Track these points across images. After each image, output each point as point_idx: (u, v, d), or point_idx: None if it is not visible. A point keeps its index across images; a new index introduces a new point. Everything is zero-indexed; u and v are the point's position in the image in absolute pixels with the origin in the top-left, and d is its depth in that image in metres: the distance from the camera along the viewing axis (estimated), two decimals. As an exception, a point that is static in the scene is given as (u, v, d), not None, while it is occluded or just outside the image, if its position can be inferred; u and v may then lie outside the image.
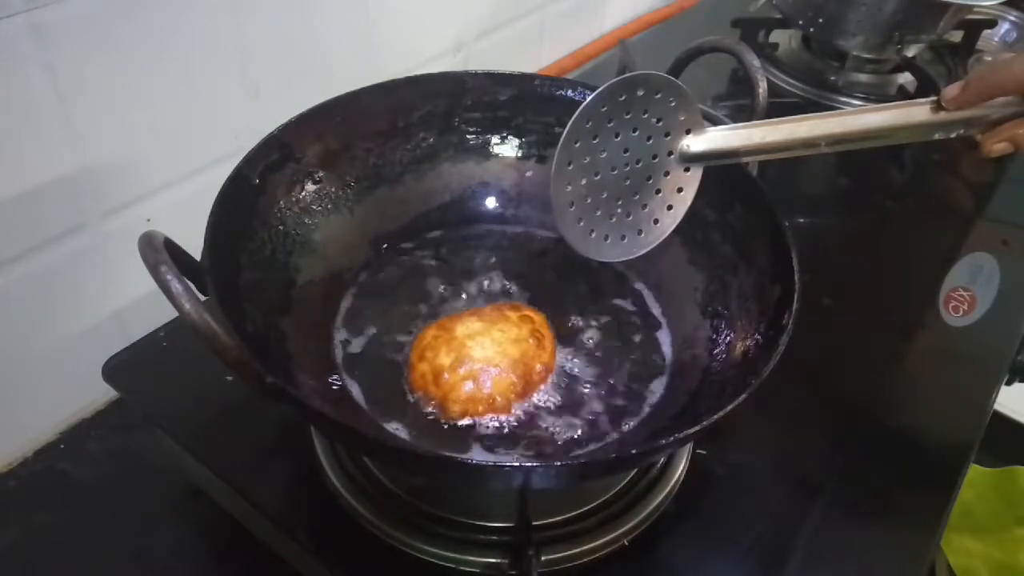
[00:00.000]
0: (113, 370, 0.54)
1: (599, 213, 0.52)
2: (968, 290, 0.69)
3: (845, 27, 0.91)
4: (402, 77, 0.59)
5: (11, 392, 0.56)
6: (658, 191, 0.52)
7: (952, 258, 0.73)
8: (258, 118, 0.53)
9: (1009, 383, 0.69)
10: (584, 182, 0.51)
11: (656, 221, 0.52)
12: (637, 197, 0.52)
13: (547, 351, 0.51)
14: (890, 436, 0.58)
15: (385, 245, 0.59)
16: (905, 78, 0.95)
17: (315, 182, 0.56)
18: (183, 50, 0.57)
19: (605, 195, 0.52)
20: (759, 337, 0.47)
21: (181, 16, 0.55)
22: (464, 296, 0.57)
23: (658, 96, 0.50)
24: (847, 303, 0.68)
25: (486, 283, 0.58)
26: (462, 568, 0.46)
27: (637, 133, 0.50)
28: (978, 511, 0.86)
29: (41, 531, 0.53)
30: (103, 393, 0.60)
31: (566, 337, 0.55)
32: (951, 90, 0.46)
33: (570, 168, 0.50)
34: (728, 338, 0.51)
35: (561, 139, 0.49)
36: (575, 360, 0.53)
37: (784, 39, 1.03)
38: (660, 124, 0.51)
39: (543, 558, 0.45)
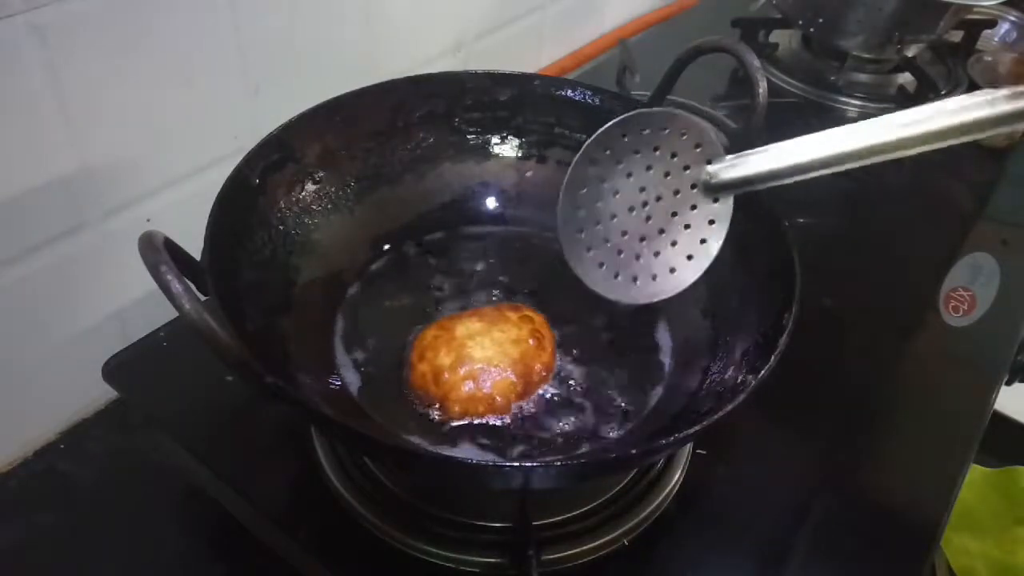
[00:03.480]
0: (113, 370, 0.54)
1: (622, 256, 0.50)
2: (968, 290, 0.69)
3: (845, 27, 0.91)
4: (402, 77, 0.59)
5: (11, 392, 0.56)
6: (687, 226, 0.49)
7: (952, 258, 0.73)
8: (258, 118, 0.53)
9: (1009, 383, 0.69)
10: (599, 227, 0.49)
11: (690, 257, 0.50)
12: (664, 235, 0.50)
13: (547, 351, 0.51)
14: (890, 436, 0.58)
15: (385, 245, 0.59)
16: (905, 78, 0.95)
17: (315, 182, 0.56)
18: (183, 50, 0.57)
19: (627, 236, 0.50)
20: (759, 337, 0.47)
21: (181, 16, 0.55)
22: (464, 296, 0.57)
23: (666, 132, 0.48)
24: (847, 303, 0.68)
25: (486, 283, 0.58)
26: (462, 568, 0.45)
27: (652, 171, 0.48)
28: (978, 511, 0.86)
29: (41, 531, 0.53)
30: (103, 393, 0.60)
31: (566, 337, 0.55)
32: None
33: (581, 214, 0.49)
34: (728, 338, 0.51)
35: (562, 189, 0.48)
36: (575, 360, 0.53)
37: (784, 39, 1.03)
38: (676, 159, 0.48)
39: (543, 558, 0.44)
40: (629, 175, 0.49)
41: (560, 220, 0.49)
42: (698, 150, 0.48)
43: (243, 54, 0.61)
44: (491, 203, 0.63)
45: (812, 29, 0.95)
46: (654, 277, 0.50)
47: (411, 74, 0.60)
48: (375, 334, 0.54)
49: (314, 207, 0.55)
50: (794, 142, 0.46)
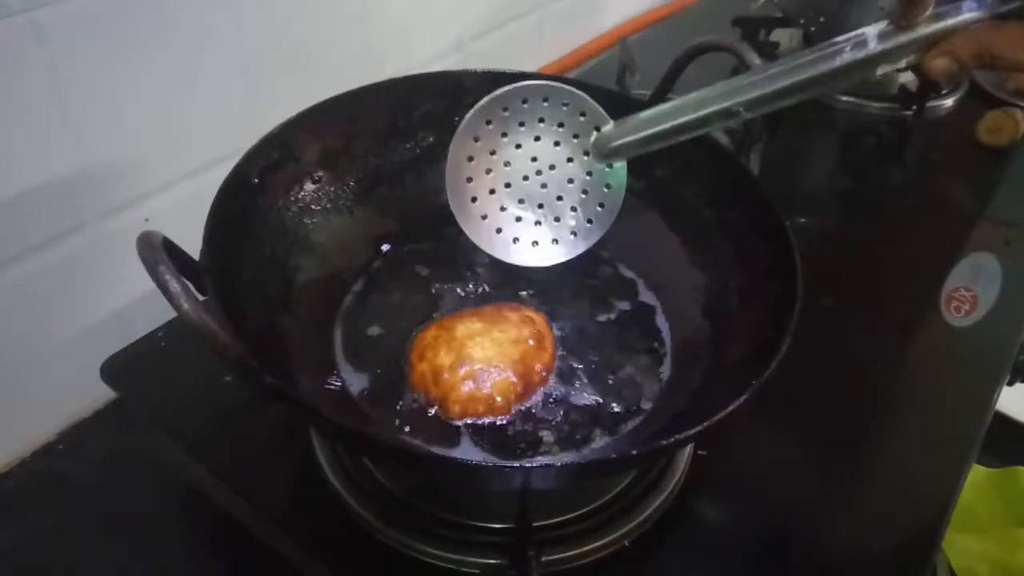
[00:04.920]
0: (112, 370, 0.54)
1: (520, 222, 0.53)
2: (970, 290, 0.69)
3: (845, 26, 0.89)
4: (402, 77, 0.59)
5: (11, 392, 0.56)
6: (584, 192, 0.51)
7: (954, 258, 0.73)
8: (258, 118, 0.53)
9: (1010, 383, 0.69)
10: (492, 194, 0.52)
11: (590, 221, 0.52)
12: (562, 201, 0.52)
13: (547, 352, 0.51)
14: (891, 436, 0.58)
15: (385, 245, 0.59)
16: (906, 77, 0.95)
17: (314, 182, 0.55)
18: (183, 50, 0.57)
19: (524, 204, 0.52)
20: (760, 338, 0.47)
21: (181, 16, 0.55)
22: (464, 296, 0.57)
23: (547, 104, 0.49)
24: (848, 303, 0.68)
25: (487, 283, 0.58)
26: (462, 569, 0.45)
27: (541, 142, 0.50)
28: (979, 511, 0.86)
29: (41, 531, 0.53)
30: (102, 393, 0.60)
31: (566, 338, 0.54)
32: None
33: (471, 184, 0.51)
34: (728, 338, 0.51)
35: (447, 161, 0.51)
36: (575, 361, 0.53)
37: (785, 38, 1.03)
38: (563, 128, 0.50)
39: (543, 559, 0.44)
40: (518, 146, 0.50)
41: (448, 189, 0.51)
42: (583, 118, 0.50)
43: (243, 54, 0.61)
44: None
45: (813, 28, 0.94)
46: (555, 241, 0.52)
47: (411, 74, 0.59)
48: (375, 334, 0.53)
49: (314, 207, 0.55)
50: (675, 103, 0.47)
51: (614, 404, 0.51)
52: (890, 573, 0.50)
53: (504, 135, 0.50)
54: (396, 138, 0.59)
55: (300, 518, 0.48)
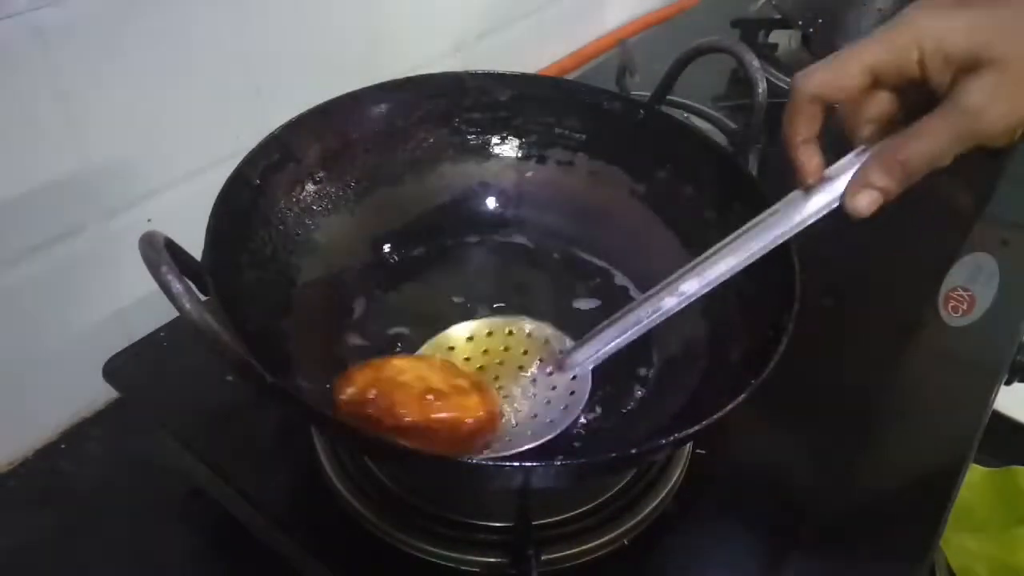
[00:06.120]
0: (114, 370, 0.55)
1: None
2: (968, 290, 0.69)
3: (845, 27, 0.91)
4: (402, 77, 0.59)
5: (12, 392, 0.56)
6: (548, 402, 0.50)
7: (952, 258, 0.73)
8: (258, 118, 0.53)
9: (1008, 383, 0.69)
10: None
11: (551, 422, 0.49)
12: (523, 411, 0.50)
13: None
14: (889, 436, 0.58)
15: (385, 245, 0.59)
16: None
17: (315, 182, 0.56)
18: (184, 50, 0.57)
19: None
20: (759, 337, 0.47)
21: (182, 16, 0.56)
22: (463, 297, 0.57)
23: (510, 334, 0.51)
24: (847, 303, 0.68)
25: (484, 285, 0.58)
26: (462, 568, 0.46)
27: (504, 365, 0.51)
28: (977, 511, 0.86)
29: (41, 531, 0.53)
30: (104, 393, 0.60)
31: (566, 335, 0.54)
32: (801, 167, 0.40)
33: None
34: (728, 338, 0.51)
35: None
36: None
37: (784, 39, 1.03)
38: (527, 355, 0.51)
39: (543, 557, 0.45)
40: (480, 368, 0.51)
41: None
42: (544, 342, 0.51)
43: (244, 54, 0.61)
44: (491, 203, 0.63)
45: (811, 29, 0.95)
46: (509, 440, 0.49)
47: (411, 74, 0.60)
48: (375, 334, 0.54)
49: (314, 207, 0.55)
50: (629, 311, 0.47)
51: (613, 403, 0.51)
52: (889, 572, 0.50)
53: (467, 359, 0.51)
54: (396, 139, 0.60)
55: (300, 518, 0.48)
